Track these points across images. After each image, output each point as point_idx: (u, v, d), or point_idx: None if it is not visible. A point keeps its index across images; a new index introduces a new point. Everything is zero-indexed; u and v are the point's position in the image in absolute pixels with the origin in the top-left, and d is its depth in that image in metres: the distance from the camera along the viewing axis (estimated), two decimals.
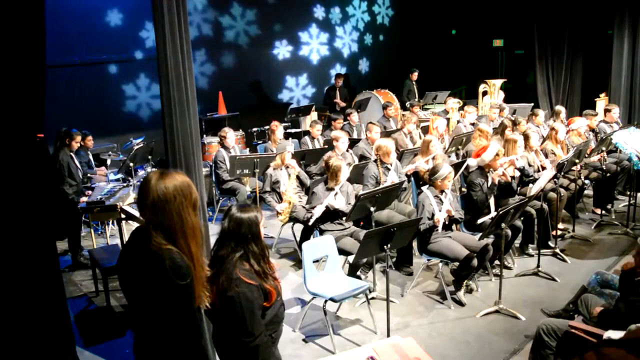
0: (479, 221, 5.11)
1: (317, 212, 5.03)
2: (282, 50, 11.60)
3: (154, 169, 6.86)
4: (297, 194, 6.06)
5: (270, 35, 11.32)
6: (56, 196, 5.91)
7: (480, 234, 4.83)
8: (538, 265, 5.44)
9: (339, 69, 12.57)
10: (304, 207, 5.80)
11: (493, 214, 5.07)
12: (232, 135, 7.19)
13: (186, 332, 2.14)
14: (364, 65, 13.26)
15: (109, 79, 9.08)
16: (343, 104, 10.68)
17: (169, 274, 2.05)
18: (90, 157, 7.45)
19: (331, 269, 4.61)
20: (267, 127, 8.92)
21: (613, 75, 9.79)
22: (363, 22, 13.07)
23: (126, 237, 5.49)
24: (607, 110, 8.12)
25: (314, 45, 12.22)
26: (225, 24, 10.58)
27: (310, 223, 5.09)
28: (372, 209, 4.89)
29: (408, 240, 4.70)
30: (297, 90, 11.91)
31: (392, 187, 5.21)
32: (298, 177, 6.19)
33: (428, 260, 5.25)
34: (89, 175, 7.07)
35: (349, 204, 5.16)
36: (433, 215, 4.91)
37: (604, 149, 6.64)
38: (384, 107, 9.06)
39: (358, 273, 5.15)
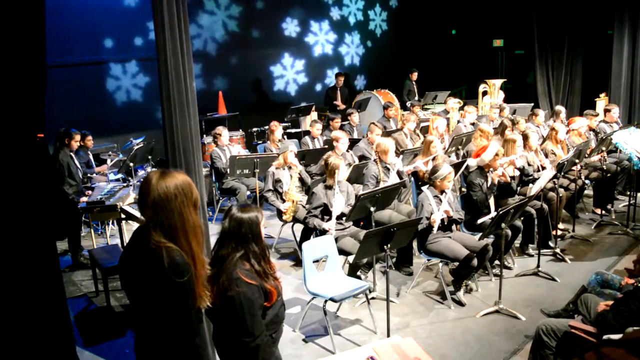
0: (479, 221, 5.11)
1: (332, 226, 5.02)
2: (290, 27, 11.65)
3: (154, 169, 6.88)
4: (299, 193, 6.07)
5: (283, 10, 11.45)
6: (56, 196, 5.91)
7: (480, 234, 4.83)
8: (538, 265, 5.44)
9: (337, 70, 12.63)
10: (304, 207, 5.80)
11: (493, 214, 5.07)
12: (226, 134, 7.19)
13: (180, 330, 2.14)
14: (360, 82, 13.25)
15: (109, 78, 9.08)
16: (343, 107, 10.65)
17: (167, 271, 2.05)
18: (91, 157, 7.44)
19: (331, 269, 4.61)
20: (267, 127, 8.92)
21: (613, 75, 9.79)
22: (355, 17, 13.01)
23: (126, 237, 5.50)
24: (607, 110, 8.12)
25: (320, 38, 12.30)
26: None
27: (329, 234, 5.08)
28: (372, 209, 4.89)
29: (408, 240, 4.70)
30: (290, 71, 11.77)
31: (392, 187, 5.22)
32: (300, 176, 6.20)
33: (428, 260, 5.25)
34: (88, 175, 7.07)
35: (349, 204, 5.17)
36: (432, 215, 4.91)
37: (604, 149, 6.65)
38: (385, 108, 9.07)
39: (358, 273, 5.15)
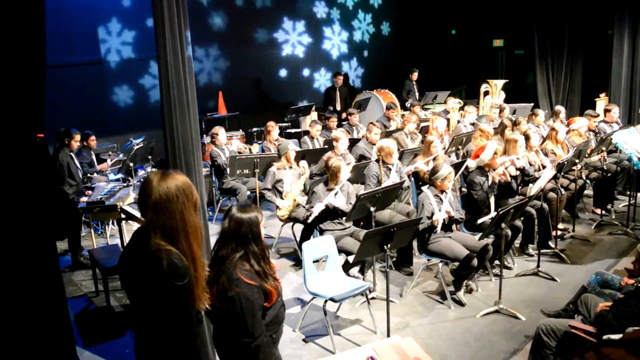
0: (479, 221, 5.12)
1: (316, 210, 5.03)
2: (320, 9, 12.04)
3: (154, 169, 6.87)
4: (300, 195, 6.08)
5: None
6: (56, 196, 5.90)
7: (480, 234, 4.83)
8: (538, 265, 5.44)
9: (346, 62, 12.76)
10: (303, 207, 5.80)
11: (493, 214, 5.07)
12: (223, 133, 7.20)
13: (181, 333, 2.14)
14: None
15: (109, 78, 9.08)
16: (341, 110, 10.63)
17: (166, 274, 2.05)
18: (93, 157, 7.42)
19: (331, 269, 4.61)
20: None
21: (613, 75, 9.79)
22: (355, 16, 13.07)
23: (126, 237, 5.50)
24: (607, 110, 8.12)
25: (335, 40, 12.55)
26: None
27: (309, 221, 5.10)
28: (372, 209, 4.89)
29: (408, 240, 4.70)
30: (293, 35, 11.79)
31: (392, 187, 5.21)
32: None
33: (428, 260, 5.25)
34: (88, 175, 7.06)
35: (350, 203, 5.16)
36: (432, 215, 4.91)
37: (604, 149, 6.65)
38: (388, 108, 9.09)
39: (356, 274, 5.16)
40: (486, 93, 10.71)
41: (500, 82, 10.56)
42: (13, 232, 3.11)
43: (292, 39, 11.76)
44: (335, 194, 5.12)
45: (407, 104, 10.26)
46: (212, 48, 10.45)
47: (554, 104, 10.90)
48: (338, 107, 10.68)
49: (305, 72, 12.11)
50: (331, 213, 5.13)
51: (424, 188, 5.16)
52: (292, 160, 6.10)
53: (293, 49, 11.81)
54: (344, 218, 5.16)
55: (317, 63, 12.30)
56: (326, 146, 7.35)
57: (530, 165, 6.07)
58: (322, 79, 12.32)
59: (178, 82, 3.66)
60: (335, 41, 12.59)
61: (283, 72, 11.64)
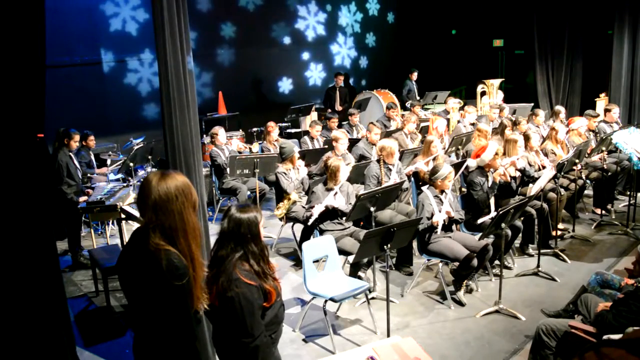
0: (479, 221, 5.12)
1: (316, 211, 5.03)
2: (345, 18, 12.38)
3: (154, 169, 6.87)
4: (297, 193, 6.07)
5: None
6: (55, 196, 5.90)
7: (480, 234, 4.83)
8: (538, 265, 5.44)
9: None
10: (303, 207, 5.80)
11: (493, 214, 5.07)
12: (222, 133, 7.20)
13: (180, 333, 2.14)
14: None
15: (109, 78, 9.08)
16: (340, 108, 10.64)
17: (165, 274, 2.05)
18: (92, 157, 7.43)
19: (331, 269, 4.61)
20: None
21: (613, 75, 9.79)
22: (358, 22, 13.10)
23: (126, 237, 5.49)
24: (607, 110, 8.12)
25: (343, 51, 12.79)
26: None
27: (309, 223, 5.10)
28: (372, 209, 4.89)
29: (408, 240, 4.70)
30: (310, 18, 11.91)
31: (392, 187, 5.21)
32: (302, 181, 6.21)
33: (428, 260, 5.25)
34: (88, 175, 7.06)
35: (349, 203, 5.16)
36: (432, 215, 4.91)
37: (604, 148, 6.65)
38: (388, 108, 9.09)
39: (359, 273, 5.16)
40: (483, 93, 10.71)
41: (496, 82, 10.56)
42: (13, 232, 3.11)
43: (310, 21, 11.87)
44: (335, 194, 5.12)
45: (407, 104, 10.26)
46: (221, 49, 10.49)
47: (554, 104, 10.90)
48: (338, 107, 10.68)
49: (305, 55, 12.11)
50: (331, 213, 5.13)
51: (424, 188, 5.15)
52: (296, 162, 6.10)
53: (306, 28, 11.89)
54: (343, 218, 5.16)
55: (318, 55, 12.33)
56: (326, 146, 7.35)
57: (530, 165, 6.07)
58: (315, 73, 12.31)
59: (178, 82, 3.66)
60: (343, 51, 12.69)
61: (287, 40, 11.66)
